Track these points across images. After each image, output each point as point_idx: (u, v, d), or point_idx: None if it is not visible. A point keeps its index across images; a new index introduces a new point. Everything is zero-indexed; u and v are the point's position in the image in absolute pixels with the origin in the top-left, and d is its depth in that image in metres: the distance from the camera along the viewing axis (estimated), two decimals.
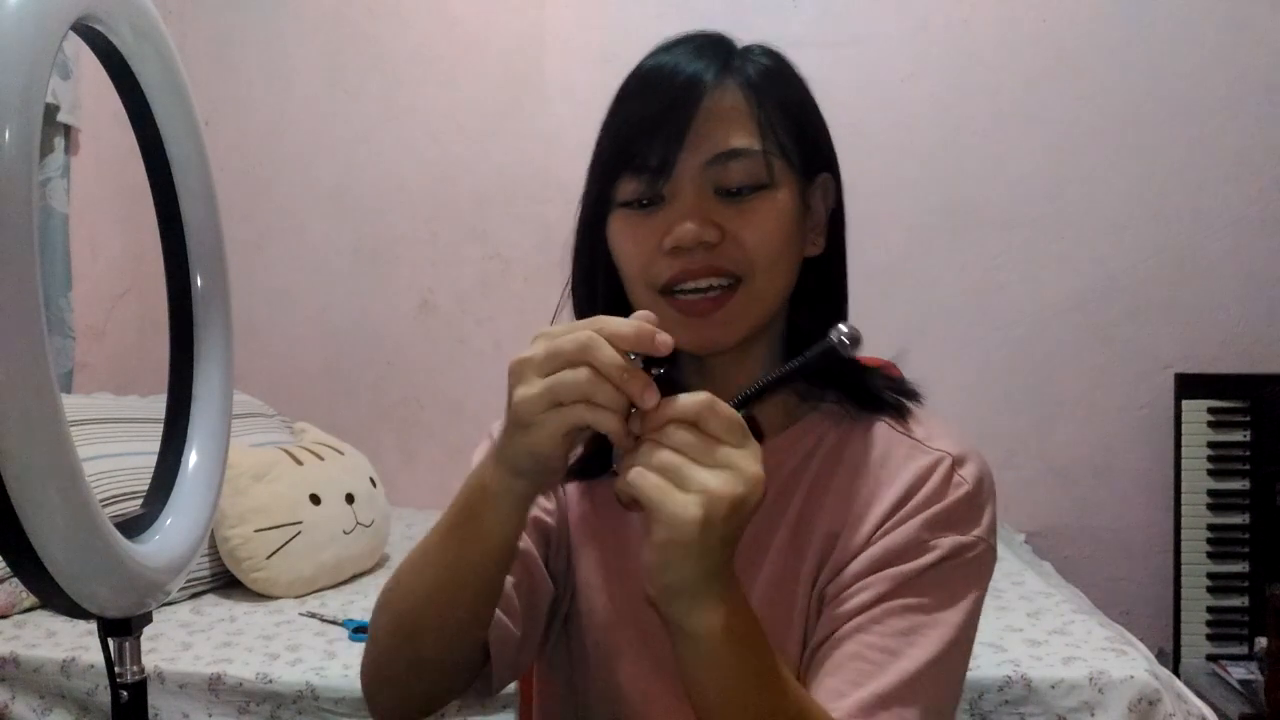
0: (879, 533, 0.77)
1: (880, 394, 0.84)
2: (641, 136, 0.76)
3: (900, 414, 0.84)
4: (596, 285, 0.83)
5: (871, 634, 0.73)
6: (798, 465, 0.83)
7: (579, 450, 0.79)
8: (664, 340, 0.61)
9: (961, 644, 0.75)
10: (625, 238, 0.79)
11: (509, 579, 0.81)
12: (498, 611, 0.79)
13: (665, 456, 0.59)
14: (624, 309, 0.76)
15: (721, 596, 0.62)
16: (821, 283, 0.84)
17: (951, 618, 0.75)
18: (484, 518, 0.69)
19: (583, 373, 0.59)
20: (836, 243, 0.85)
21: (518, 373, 0.62)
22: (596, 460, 0.84)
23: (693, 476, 0.58)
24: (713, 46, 0.80)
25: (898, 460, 0.80)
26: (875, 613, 0.74)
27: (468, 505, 0.71)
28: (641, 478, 0.59)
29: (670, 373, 0.62)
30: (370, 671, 0.81)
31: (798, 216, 0.79)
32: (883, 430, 0.83)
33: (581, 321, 0.62)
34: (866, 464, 0.81)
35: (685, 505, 0.57)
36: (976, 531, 0.77)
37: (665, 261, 0.76)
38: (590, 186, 0.81)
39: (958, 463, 0.79)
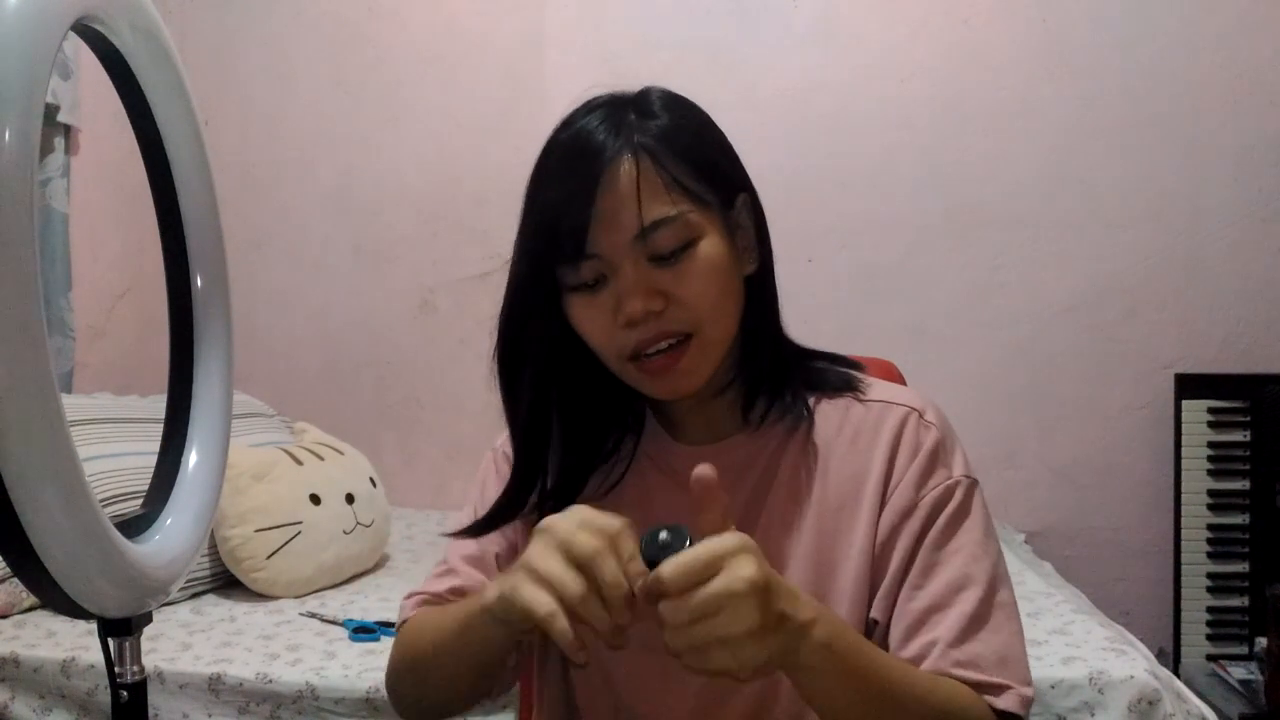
0: (887, 503, 0.85)
1: (833, 375, 0.92)
2: (563, 224, 0.79)
3: (854, 386, 0.91)
4: (529, 356, 0.88)
5: (922, 600, 0.82)
6: (775, 451, 0.89)
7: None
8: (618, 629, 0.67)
9: (994, 547, 0.84)
10: (584, 319, 0.84)
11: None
12: None
13: (693, 636, 0.64)
14: (584, 372, 0.87)
15: (796, 636, 0.67)
16: (763, 294, 0.89)
17: (982, 548, 0.83)
18: (477, 631, 0.78)
19: (579, 587, 0.65)
20: (765, 253, 0.89)
21: (543, 537, 0.69)
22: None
23: (709, 641, 0.63)
24: (610, 116, 0.82)
25: (871, 425, 0.88)
26: (919, 583, 0.83)
27: (468, 617, 0.79)
28: (699, 660, 0.65)
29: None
30: (389, 683, 0.94)
31: (729, 252, 0.84)
32: (847, 404, 0.90)
33: (600, 530, 0.67)
34: (841, 438, 0.88)
35: (725, 664, 0.64)
36: (958, 472, 0.86)
37: (624, 333, 0.82)
38: (523, 268, 0.84)
39: (921, 413, 0.88)
